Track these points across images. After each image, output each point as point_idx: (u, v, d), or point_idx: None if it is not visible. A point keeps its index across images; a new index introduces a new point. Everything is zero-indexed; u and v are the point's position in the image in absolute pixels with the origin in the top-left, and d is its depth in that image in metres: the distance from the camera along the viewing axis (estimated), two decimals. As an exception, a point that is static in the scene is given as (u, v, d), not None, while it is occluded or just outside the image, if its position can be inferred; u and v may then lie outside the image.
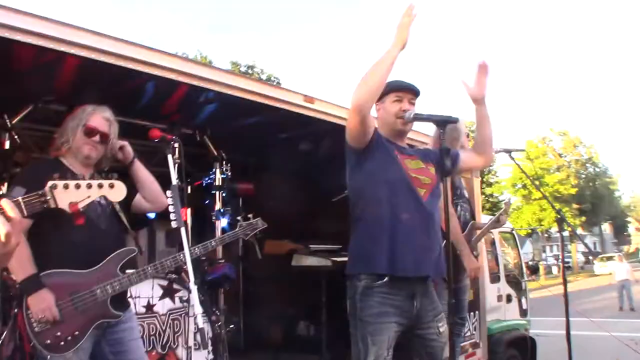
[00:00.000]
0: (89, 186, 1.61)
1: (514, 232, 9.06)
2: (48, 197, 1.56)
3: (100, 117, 2.98)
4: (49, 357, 2.64)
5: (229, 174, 5.21)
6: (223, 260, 4.83)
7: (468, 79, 2.98)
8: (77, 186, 1.59)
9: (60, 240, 2.72)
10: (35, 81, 3.81)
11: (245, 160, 6.48)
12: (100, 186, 1.63)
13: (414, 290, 2.85)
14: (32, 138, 4.56)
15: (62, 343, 2.66)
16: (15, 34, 2.92)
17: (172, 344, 3.95)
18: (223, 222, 5.24)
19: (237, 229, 3.62)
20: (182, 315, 4.00)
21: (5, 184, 3.92)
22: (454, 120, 2.84)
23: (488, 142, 3.10)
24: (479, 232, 4.64)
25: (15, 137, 4.03)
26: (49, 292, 2.64)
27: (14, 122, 4.01)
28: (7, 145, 4.00)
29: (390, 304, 2.79)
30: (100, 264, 2.81)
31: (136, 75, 3.64)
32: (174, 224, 2.83)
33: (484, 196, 32.29)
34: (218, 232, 5.13)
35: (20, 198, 1.50)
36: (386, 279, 2.79)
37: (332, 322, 6.01)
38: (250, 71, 31.44)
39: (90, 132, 2.91)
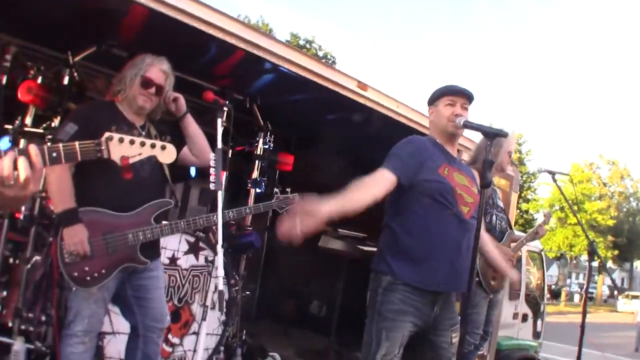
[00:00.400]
0: (142, 144, 1.67)
1: (542, 252, 8.95)
2: (103, 148, 1.61)
3: (158, 69, 3.04)
4: (74, 288, 2.76)
5: (272, 145, 5.27)
6: (251, 228, 4.91)
7: None
8: (132, 142, 1.64)
9: (103, 183, 2.81)
10: (101, 24, 3.92)
11: (289, 134, 6.54)
12: (153, 146, 1.68)
13: (437, 297, 2.87)
14: (90, 78, 4.68)
15: (89, 278, 2.76)
16: None
17: (189, 298, 4.07)
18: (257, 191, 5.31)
19: (273, 200, 3.66)
20: (204, 273, 4.10)
21: (59, 118, 4.05)
22: (504, 135, 2.81)
23: None
24: (514, 244, 4.61)
25: (75, 74, 4.14)
26: (83, 227, 2.74)
27: (76, 59, 4.12)
28: (66, 80, 4.12)
29: (411, 304, 2.81)
30: (137, 210, 2.90)
31: (197, 34, 3.68)
32: (212, 186, 2.88)
33: (518, 211, 31.83)
34: (251, 200, 5.20)
35: (77, 144, 1.55)
36: (408, 288, 2.81)
37: (346, 308, 6.08)
38: (308, 46, 31.37)
39: (146, 83, 2.98)
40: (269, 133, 5.27)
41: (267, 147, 5.26)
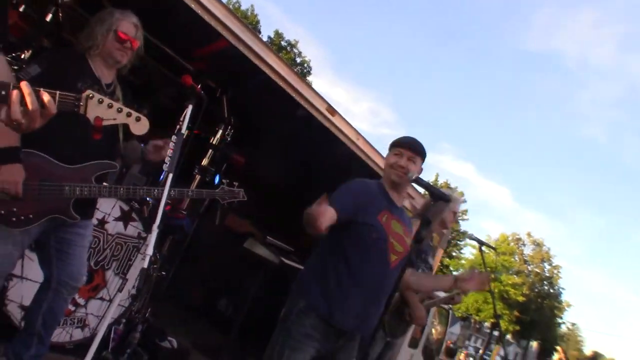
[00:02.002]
0: (120, 110, 1.71)
1: (450, 310, 9.25)
2: (81, 104, 1.64)
3: (129, 22, 3.04)
4: None
5: (229, 139, 5.30)
6: (185, 213, 4.92)
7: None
8: (110, 105, 1.68)
9: (56, 131, 2.77)
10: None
11: (245, 131, 6.57)
12: (128, 115, 1.73)
13: (344, 333, 2.97)
14: (76, 22, 4.63)
15: (14, 219, 2.72)
16: None
17: (105, 264, 4.04)
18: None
19: (217, 190, 3.66)
20: (127, 244, 4.09)
21: (29, 53, 3.99)
22: (447, 199, 2.97)
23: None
24: (430, 301, 4.74)
25: (60, 14, 4.10)
26: (21, 168, 2.67)
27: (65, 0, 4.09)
28: (49, 18, 4.08)
29: (319, 332, 2.90)
30: (80, 165, 2.88)
31: (187, 11, 3.72)
32: (165, 167, 2.91)
33: (440, 265, 32.51)
34: (193, 185, 5.21)
35: (58, 93, 1.59)
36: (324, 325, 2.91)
37: (253, 314, 6.14)
38: (289, 48, 31.40)
39: (121, 39, 2.99)
40: (230, 127, 5.30)
41: (225, 139, 5.29)
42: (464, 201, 38.55)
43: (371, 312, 2.95)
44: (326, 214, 2.64)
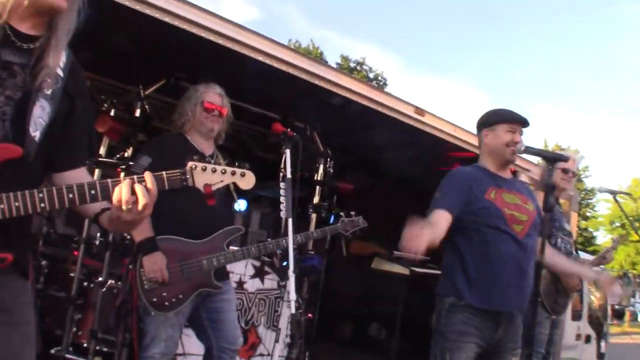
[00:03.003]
0: (224, 172, 1.78)
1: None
2: (188, 176, 1.73)
3: (214, 94, 3.25)
4: (152, 313, 2.92)
5: (332, 170, 5.38)
6: (313, 252, 5.01)
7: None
8: (214, 170, 1.76)
9: (179, 211, 2.97)
10: (166, 57, 4.16)
11: (345, 158, 6.64)
12: (233, 173, 1.80)
13: (500, 319, 2.91)
14: (160, 109, 4.93)
15: (167, 303, 2.92)
16: (145, 8, 3.26)
17: (255, 321, 4.20)
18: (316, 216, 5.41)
19: (338, 224, 3.73)
20: (269, 297, 4.23)
21: (131, 149, 4.28)
22: (565, 159, 2.86)
23: None
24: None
25: (146, 106, 4.38)
26: (162, 255, 2.91)
27: (147, 92, 4.36)
28: (137, 112, 4.36)
29: (474, 325, 2.86)
30: (210, 237, 3.07)
31: (253, 62, 3.88)
32: (282, 214, 3.01)
33: (577, 229, 30.98)
34: (312, 225, 5.30)
35: (164, 173, 1.67)
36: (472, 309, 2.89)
37: (406, 331, 6.10)
38: (359, 68, 31.55)
39: (209, 109, 3.19)
40: (329, 159, 5.38)
41: (327, 172, 5.37)
42: (582, 157, 36.67)
43: (519, 285, 2.90)
44: (420, 237, 2.57)
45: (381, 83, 31.30)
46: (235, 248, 3.19)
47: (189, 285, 2.98)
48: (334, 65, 27.85)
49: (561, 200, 5.59)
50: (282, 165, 3.11)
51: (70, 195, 1.59)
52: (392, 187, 6.29)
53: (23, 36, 1.64)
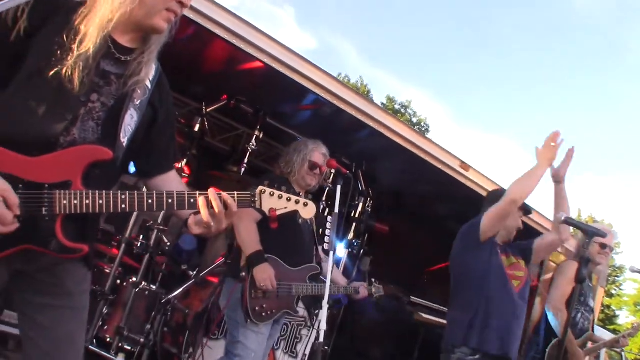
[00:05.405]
0: (289, 199, 1.93)
1: (623, 353, 8.62)
2: (256, 199, 1.88)
3: (320, 154, 3.58)
4: (248, 321, 3.15)
5: (369, 210, 5.50)
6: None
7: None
8: (280, 197, 1.91)
9: (286, 238, 3.28)
10: (227, 79, 4.40)
11: (381, 199, 6.75)
12: (297, 202, 1.94)
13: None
14: (213, 126, 5.15)
15: (263, 314, 3.19)
16: (215, 27, 3.53)
17: (274, 345, 4.30)
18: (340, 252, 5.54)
19: (372, 286, 4.02)
20: (292, 323, 4.37)
21: (185, 161, 4.48)
22: (603, 235, 2.97)
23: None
24: (592, 345, 4.53)
25: (206, 123, 4.60)
26: (270, 266, 3.17)
27: (208, 110, 4.59)
28: (196, 127, 4.58)
29: None
30: (300, 267, 3.40)
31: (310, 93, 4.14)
32: (326, 247, 3.21)
33: (601, 306, 30.30)
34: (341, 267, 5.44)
35: (236, 193, 1.82)
36: (478, 356, 3.15)
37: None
38: (403, 110, 31.69)
39: (314, 167, 3.51)
40: (369, 199, 5.52)
41: (366, 211, 5.50)
42: (616, 233, 35.80)
43: (514, 333, 3.29)
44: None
45: (423, 129, 31.39)
46: (314, 283, 3.47)
47: (279, 304, 3.27)
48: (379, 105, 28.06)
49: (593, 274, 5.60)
50: (337, 199, 3.24)
51: (150, 201, 1.75)
52: (426, 234, 6.35)
53: (122, 48, 1.81)
